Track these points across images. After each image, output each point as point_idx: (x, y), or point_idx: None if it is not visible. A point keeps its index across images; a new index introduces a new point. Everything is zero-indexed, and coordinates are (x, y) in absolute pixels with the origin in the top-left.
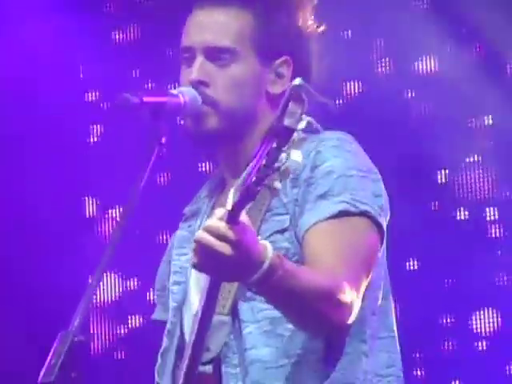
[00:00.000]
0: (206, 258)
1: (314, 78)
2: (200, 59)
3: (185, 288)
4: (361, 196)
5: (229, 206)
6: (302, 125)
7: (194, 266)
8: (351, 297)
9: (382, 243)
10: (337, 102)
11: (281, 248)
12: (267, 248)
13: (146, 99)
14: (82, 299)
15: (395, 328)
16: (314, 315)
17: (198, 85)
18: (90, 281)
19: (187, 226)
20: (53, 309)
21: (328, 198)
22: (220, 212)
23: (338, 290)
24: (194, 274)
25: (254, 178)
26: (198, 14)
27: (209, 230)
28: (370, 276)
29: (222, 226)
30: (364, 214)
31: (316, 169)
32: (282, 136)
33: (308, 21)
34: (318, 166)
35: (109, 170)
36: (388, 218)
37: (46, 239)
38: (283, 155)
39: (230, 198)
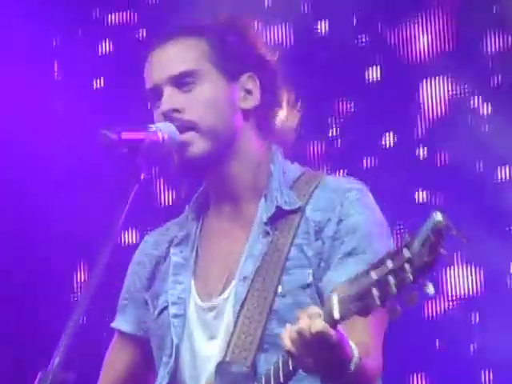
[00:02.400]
0: (304, 355)
1: (282, 93)
2: (167, 91)
3: (183, 321)
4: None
5: (336, 315)
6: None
7: (291, 355)
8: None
9: None
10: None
11: (302, 303)
12: (354, 351)
13: (124, 136)
14: (62, 337)
15: None
16: None
17: (172, 113)
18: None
19: (179, 251)
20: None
21: (354, 257)
22: (324, 315)
23: (378, 374)
24: (192, 307)
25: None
26: (153, 54)
27: (314, 333)
28: None
29: (329, 330)
30: None
31: (341, 223)
32: (418, 267)
33: (261, 43)
34: (342, 221)
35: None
36: None
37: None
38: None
39: (336, 305)
